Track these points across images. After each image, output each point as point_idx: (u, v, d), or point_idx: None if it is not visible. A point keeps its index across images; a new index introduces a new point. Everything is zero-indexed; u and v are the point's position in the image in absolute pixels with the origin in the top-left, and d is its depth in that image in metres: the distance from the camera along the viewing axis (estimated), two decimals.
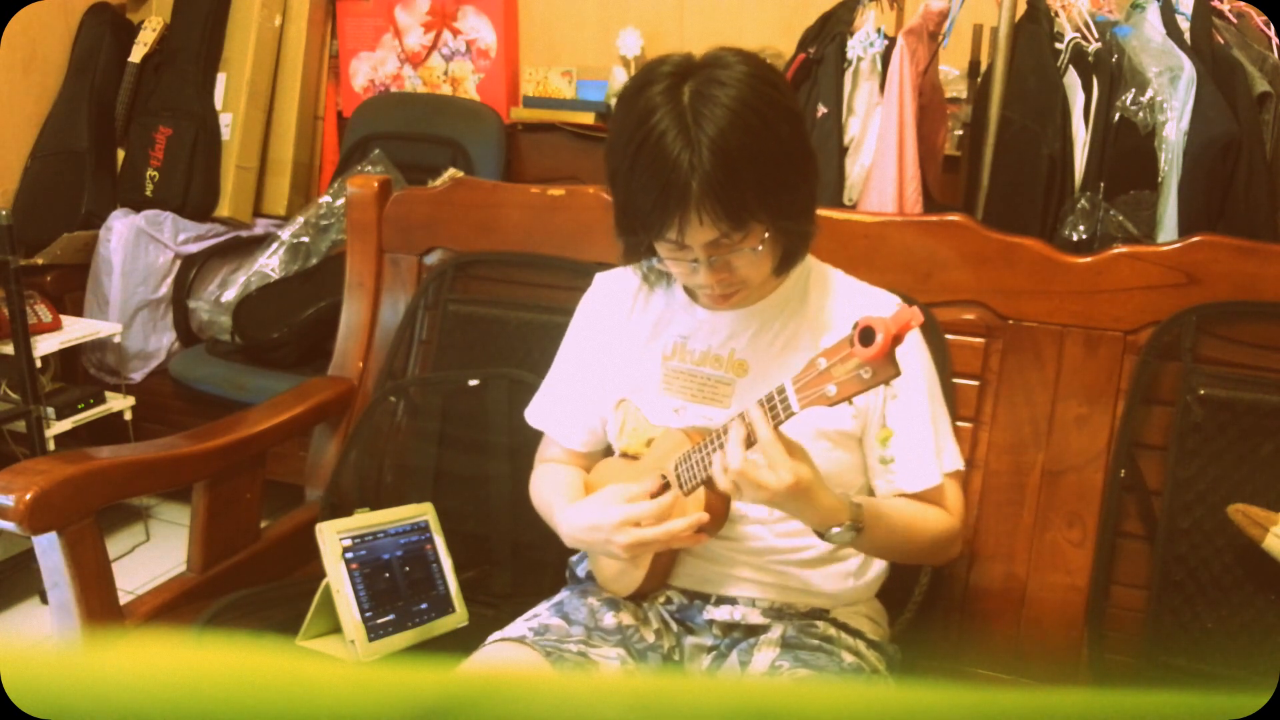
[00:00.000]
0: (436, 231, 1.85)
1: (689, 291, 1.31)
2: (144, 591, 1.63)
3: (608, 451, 1.40)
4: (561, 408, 1.41)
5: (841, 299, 1.29)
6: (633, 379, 1.33)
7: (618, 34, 2.88)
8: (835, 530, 1.14)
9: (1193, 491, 1.41)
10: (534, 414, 1.45)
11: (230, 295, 2.77)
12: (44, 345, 2.48)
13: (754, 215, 1.12)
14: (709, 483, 1.18)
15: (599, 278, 1.42)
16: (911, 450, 1.26)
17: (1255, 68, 1.83)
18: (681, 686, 0.59)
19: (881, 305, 1.29)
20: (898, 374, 0.99)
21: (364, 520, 1.52)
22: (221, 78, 3.01)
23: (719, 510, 1.19)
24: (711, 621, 1.30)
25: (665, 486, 1.24)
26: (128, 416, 2.67)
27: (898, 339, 0.97)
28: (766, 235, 1.15)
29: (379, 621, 1.46)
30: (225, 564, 1.67)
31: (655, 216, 1.11)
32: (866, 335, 0.97)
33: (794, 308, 1.28)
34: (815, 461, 1.12)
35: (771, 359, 1.26)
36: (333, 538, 1.47)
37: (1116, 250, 1.49)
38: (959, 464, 1.30)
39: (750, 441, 1.09)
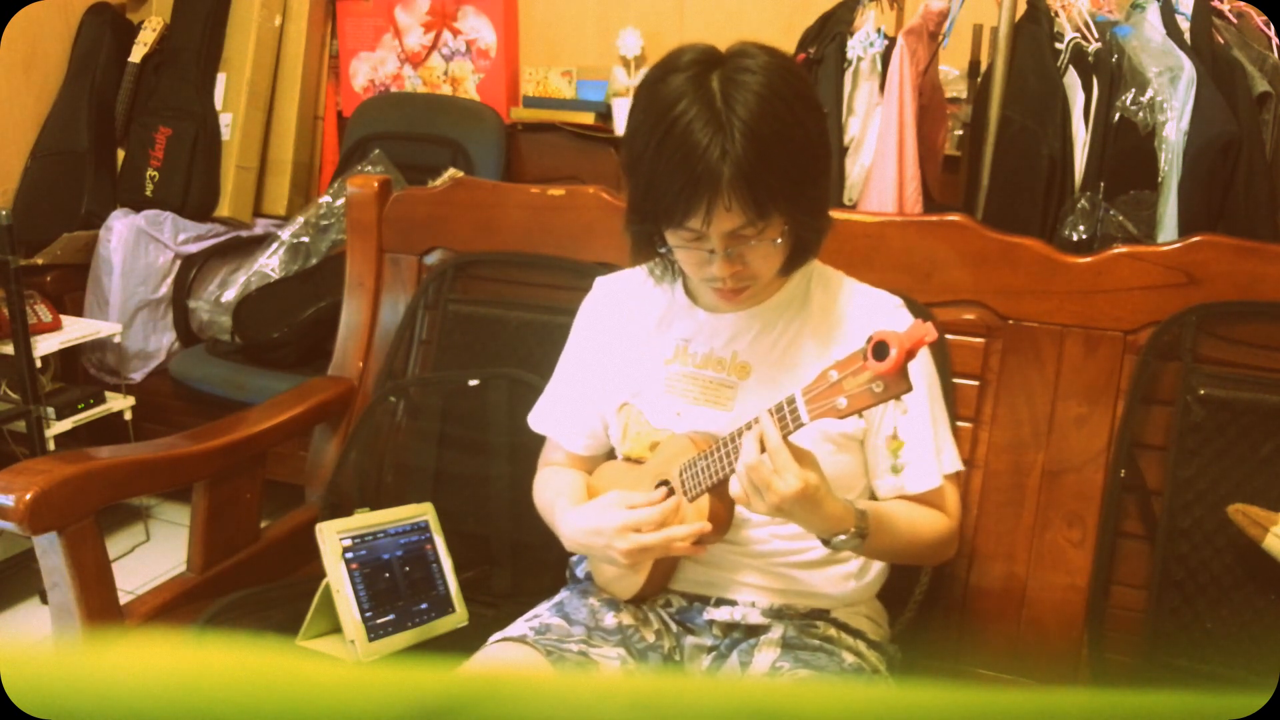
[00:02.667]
0: (436, 231, 1.85)
1: (690, 294, 1.31)
2: (144, 591, 1.63)
3: (611, 455, 1.40)
4: (564, 411, 1.41)
5: (844, 301, 1.29)
6: (634, 382, 1.33)
7: (618, 34, 2.88)
8: (840, 538, 1.13)
9: (1193, 491, 1.41)
10: (537, 419, 1.45)
11: (230, 295, 2.77)
12: (44, 345, 2.48)
13: (777, 206, 1.11)
14: (714, 489, 1.17)
15: (599, 281, 1.42)
16: (912, 453, 1.26)
17: (1255, 68, 1.83)
18: (682, 687, 0.59)
19: (885, 307, 1.29)
20: (909, 389, 0.98)
21: (364, 520, 1.52)
22: (221, 78, 3.01)
23: (722, 518, 1.19)
24: (712, 622, 1.30)
25: (669, 492, 1.24)
26: (128, 416, 2.67)
27: (911, 354, 0.97)
28: (785, 228, 1.15)
29: (379, 621, 1.46)
30: (225, 564, 1.67)
31: (681, 202, 1.10)
32: (880, 350, 0.97)
33: (796, 309, 1.28)
34: (822, 466, 1.12)
35: (774, 361, 1.26)
36: (333, 538, 1.46)
37: (1116, 250, 1.49)
38: (958, 465, 1.30)
39: (760, 448, 1.09)
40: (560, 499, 1.33)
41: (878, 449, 1.27)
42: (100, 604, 1.46)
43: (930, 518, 1.27)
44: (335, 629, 1.49)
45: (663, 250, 1.23)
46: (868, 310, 1.28)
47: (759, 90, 1.09)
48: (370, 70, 3.18)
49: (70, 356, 2.79)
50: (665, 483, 1.25)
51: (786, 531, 1.26)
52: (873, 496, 1.30)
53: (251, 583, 1.64)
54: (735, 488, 1.11)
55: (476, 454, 1.68)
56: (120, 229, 2.82)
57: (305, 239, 2.81)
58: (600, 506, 1.24)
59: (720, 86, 1.10)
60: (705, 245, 1.15)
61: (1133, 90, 1.82)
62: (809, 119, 1.14)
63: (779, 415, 1.07)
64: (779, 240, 1.15)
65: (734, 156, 1.07)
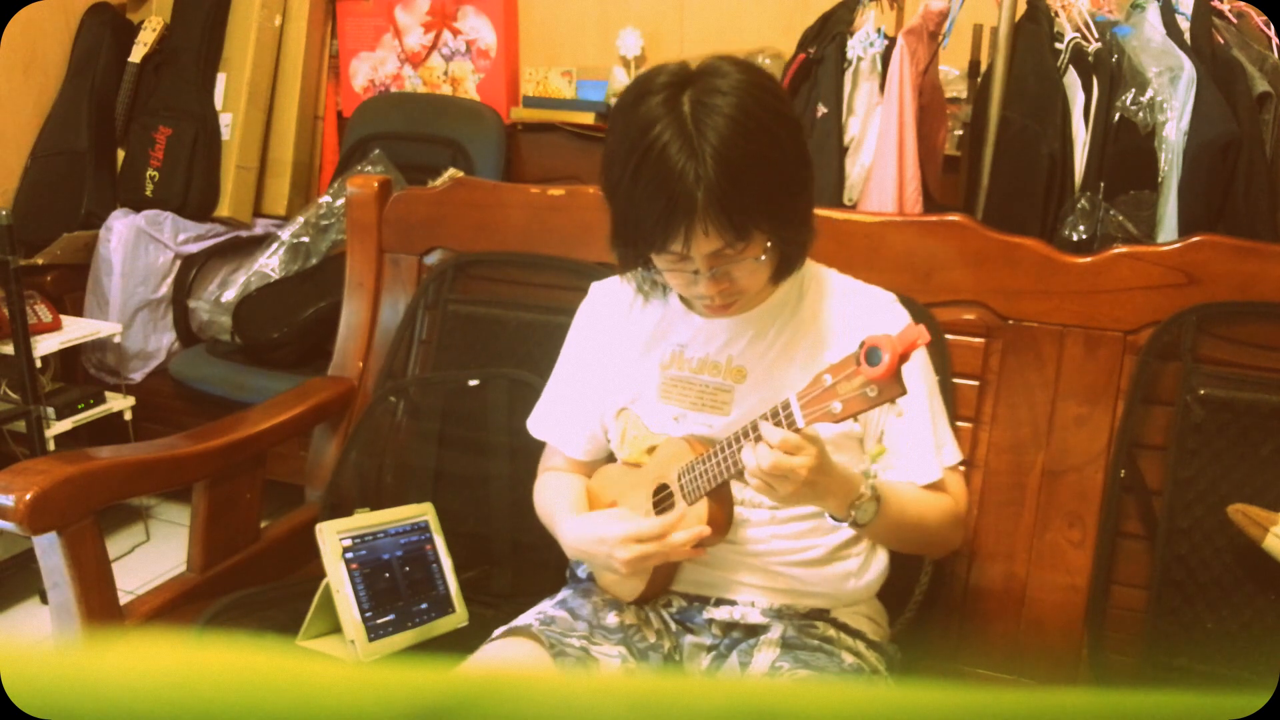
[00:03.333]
0: (436, 231, 1.85)
1: (685, 300, 1.31)
2: (144, 591, 1.63)
3: (610, 458, 1.40)
4: (561, 415, 1.41)
5: (837, 299, 1.29)
6: (632, 387, 1.33)
7: (618, 34, 2.88)
8: (856, 505, 1.13)
9: (1193, 491, 1.41)
10: (535, 424, 1.45)
11: (230, 295, 2.77)
12: (44, 345, 2.48)
13: (757, 225, 1.11)
14: (713, 493, 1.18)
15: (595, 287, 1.42)
16: (912, 447, 1.26)
17: (1255, 68, 1.83)
18: (682, 686, 0.59)
19: (878, 304, 1.29)
20: (903, 393, 0.98)
21: (364, 520, 1.52)
22: (221, 78, 3.01)
23: (720, 522, 1.19)
24: (711, 621, 1.30)
25: (668, 495, 1.24)
26: (128, 416, 2.67)
27: (904, 358, 0.96)
28: (768, 245, 1.15)
29: (379, 621, 1.46)
30: (225, 564, 1.67)
31: (659, 229, 1.10)
32: (873, 355, 0.97)
33: (790, 311, 1.28)
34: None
35: (769, 364, 1.26)
36: (333, 538, 1.46)
37: (1116, 250, 1.49)
38: (959, 458, 1.31)
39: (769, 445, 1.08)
40: (560, 508, 1.33)
41: (863, 458, 1.27)
42: (100, 604, 1.46)
43: (934, 497, 1.27)
44: (335, 629, 1.49)
45: (650, 271, 1.23)
46: (861, 308, 1.28)
47: (729, 112, 1.08)
48: (370, 70, 3.17)
49: (70, 356, 2.79)
50: (664, 487, 1.25)
51: (787, 531, 1.26)
52: None
53: (251, 583, 1.64)
54: (753, 482, 1.10)
55: (476, 454, 1.68)
56: (120, 229, 2.82)
57: (305, 239, 2.81)
58: (602, 517, 1.24)
59: (691, 110, 1.09)
60: (689, 266, 1.15)
61: (1133, 90, 1.82)
62: (783, 134, 1.13)
63: (774, 420, 1.07)
64: (762, 257, 1.15)
65: (707, 181, 1.07)
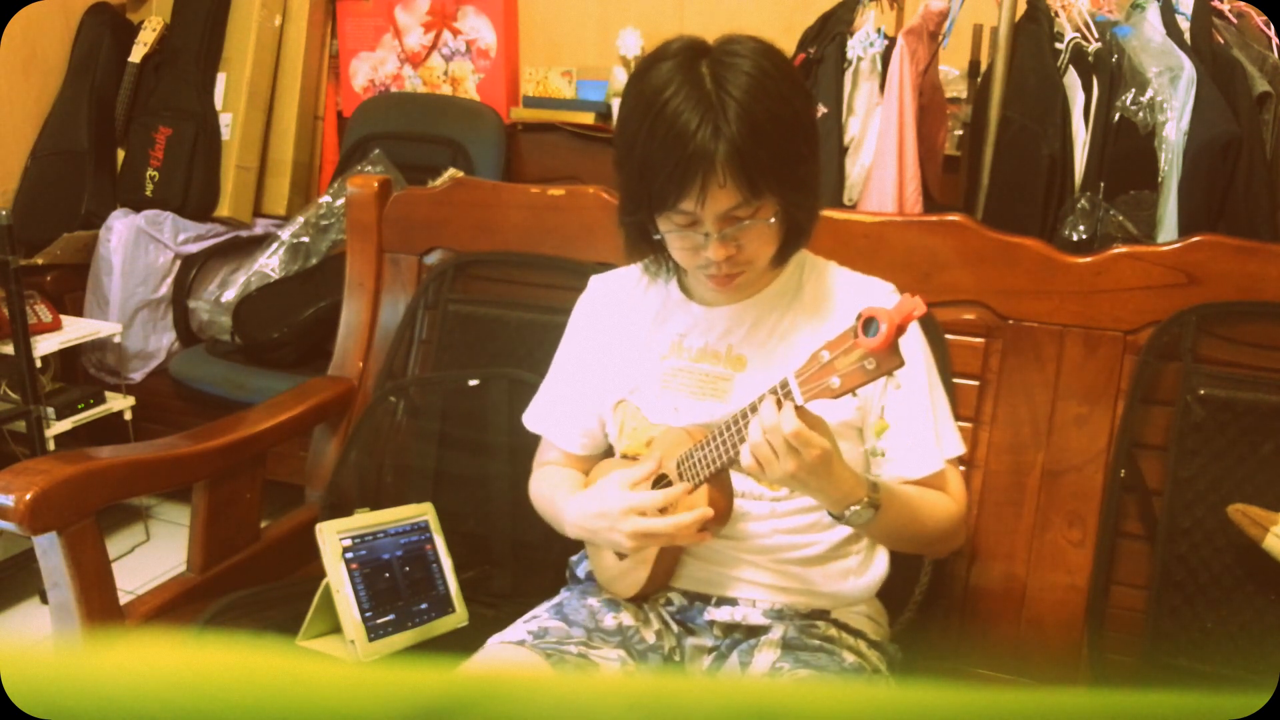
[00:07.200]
0: (436, 231, 1.85)
1: (684, 288, 1.31)
2: (144, 591, 1.63)
3: (607, 453, 1.40)
4: (560, 411, 1.41)
5: (837, 289, 1.29)
6: (631, 379, 1.33)
7: (618, 34, 2.88)
8: (853, 509, 1.12)
9: (1193, 491, 1.41)
10: (532, 418, 1.45)
11: (230, 295, 2.77)
12: (44, 345, 2.48)
13: (770, 185, 1.12)
14: (712, 479, 1.17)
15: (594, 280, 1.42)
16: (911, 437, 1.25)
17: (1255, 68, 1.83)
18: (682, 687, 0.59)
19: (877, 293, 1.29)
20: (901, 364, 0.98)
21: (364, 520, 1.52)
22: (221, 78, 3.01)
23: (722, 508, 1.19)
24: (712, 622, 1.30)
25: (667, 485, 1.24)
26: (128, 416, 2.67)
27: (901, 329, 0.96)
28: (778, 209, 1.15)
29: (379, 621, 1.46)
30: (225, 564, 1.67)
31: (674, 183, 1.11)
32: (870, 326, 0.97)
33: (789, 300, 1.28)
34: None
35: (769, 352, 1.26)
36: (333, 538, 1.46)
37: (1116, 250, 1.49)
38: (960, 449, 1.29)
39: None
40: (561, 491, 1.33)
41: (868, 436, 1.26)
42: (100, 604, 1.46)
43: (937, 499, 1.26)
44: (335, 629, 1.49)
45: (656, 237, 1.23)
46: (861, 296, 1.27)
47: (750, 71, 1.12)
48: (370, 70, 3.17)
49: (70, 356, 2.79)
50: (664, 476, 1.25)
51: (787, 525, 1.26)
52: None
53: (251, 583, 1.64)
54: (746, 458, 1.09)
55: (476, 454, 1.68)
56: (120, 229, 2.82)
57: (305, 239, 2.81)
58: (603, 489, 1.23)
59: (710, 69, 1.12)
60: (699, 229, 1.15)
61: (1133, 90, 1.82)
62: (796, 98, 1.16)
63: (773, 399, 1.07)
64: (772, 220, 1.16)
65: (728, 135, 1.09)
